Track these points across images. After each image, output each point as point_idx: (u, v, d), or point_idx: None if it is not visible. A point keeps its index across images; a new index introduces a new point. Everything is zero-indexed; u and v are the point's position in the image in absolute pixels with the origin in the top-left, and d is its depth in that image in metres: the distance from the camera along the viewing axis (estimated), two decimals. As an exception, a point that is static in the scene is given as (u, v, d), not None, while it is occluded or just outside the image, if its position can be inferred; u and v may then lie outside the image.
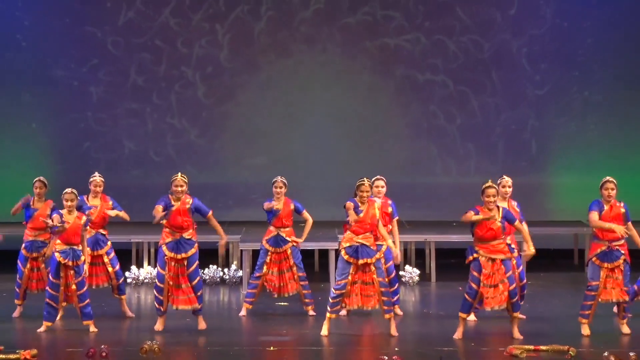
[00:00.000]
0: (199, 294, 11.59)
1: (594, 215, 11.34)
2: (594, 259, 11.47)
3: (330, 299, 11.57)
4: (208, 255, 14.31)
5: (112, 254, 12.43)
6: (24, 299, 12.48)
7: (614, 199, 11.40)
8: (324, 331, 11.52)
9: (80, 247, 12.00)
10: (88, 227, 12.15)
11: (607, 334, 11.35)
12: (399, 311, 12.71)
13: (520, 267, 12.33)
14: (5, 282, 13.33)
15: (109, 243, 12.43)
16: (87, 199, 12.62)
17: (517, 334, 11.24)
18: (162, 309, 11.73)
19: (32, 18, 17.02)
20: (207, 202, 12.65)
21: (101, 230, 12.58)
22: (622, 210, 11.45)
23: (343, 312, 12.05)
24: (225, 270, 14.99)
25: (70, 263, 11.73)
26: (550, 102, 17.38)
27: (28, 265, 12.50)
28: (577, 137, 17.35)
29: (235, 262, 15.08)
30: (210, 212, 11.77)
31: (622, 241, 11.42)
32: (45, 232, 12.41)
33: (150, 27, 17.26)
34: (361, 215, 11.52)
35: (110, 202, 12.68)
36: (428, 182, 17.07)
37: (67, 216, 11.80)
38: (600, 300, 11.48)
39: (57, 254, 11.76)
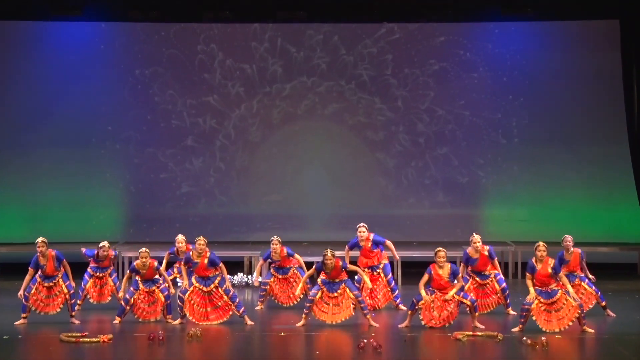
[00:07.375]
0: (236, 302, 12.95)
1: (528, 276, 12.46)
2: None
3: (306, 304, 13.02)
4: (236, 265, 15.87)
5: (167, 292, 13.21)
6: (82, 302, 13.85)
7: (545, 257, 12.38)
8: (300, 324, 12.82)
9: (157, 276, 13.30)
10: (161, 268, 13.38)
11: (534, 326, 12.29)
12: (402, 307, 14.01)
13: (503, 284, 13.62)
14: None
15: (160, 280, 13.27)
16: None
17: (477, 324, 12.45)
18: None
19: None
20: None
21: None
22: (550, 270, 12.35)
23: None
24: (249, 276, 16.42)
25: (153, 288, 13.20)
26: (475, 154, 19.29)
27: (91, 281, 13.97)
28: (502, 179, 19.08)
29: (256, 271, 15.36)
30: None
31: (555, 284, 12.36)
32: (102, 262, 13.99)
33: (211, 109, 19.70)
34: (330, 273, 12.81)
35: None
36: (395, 212, 18.72)
37: (143, 268, 13.19)
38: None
39: (140, 284, 13.16)
